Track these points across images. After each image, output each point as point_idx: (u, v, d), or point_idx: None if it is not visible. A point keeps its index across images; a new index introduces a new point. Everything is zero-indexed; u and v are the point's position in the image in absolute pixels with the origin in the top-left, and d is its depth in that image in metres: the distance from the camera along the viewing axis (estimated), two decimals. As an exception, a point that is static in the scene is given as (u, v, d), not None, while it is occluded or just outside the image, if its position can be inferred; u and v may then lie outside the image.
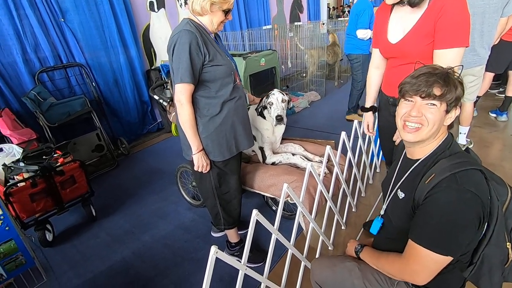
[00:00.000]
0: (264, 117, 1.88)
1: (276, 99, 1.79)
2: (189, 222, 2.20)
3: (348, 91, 5.26)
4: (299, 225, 1.47)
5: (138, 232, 2.15)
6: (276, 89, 1.85)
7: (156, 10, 3.76)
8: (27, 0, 2.59)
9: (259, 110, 1.88)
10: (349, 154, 1.80)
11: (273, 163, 1.90)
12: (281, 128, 1.94)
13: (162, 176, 2.89)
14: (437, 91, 0.85)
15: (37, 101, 2.59)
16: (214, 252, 0.86)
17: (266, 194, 1.76)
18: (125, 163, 3.28)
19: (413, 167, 0.94)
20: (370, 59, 1.61)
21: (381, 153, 2.67)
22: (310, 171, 1.39)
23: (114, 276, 1.80)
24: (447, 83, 0.85)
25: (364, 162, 2.21)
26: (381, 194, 2.31)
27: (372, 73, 1.62)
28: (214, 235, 2.00)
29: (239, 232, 1.90)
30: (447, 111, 0.88)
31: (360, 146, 2.06)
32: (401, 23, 1.35)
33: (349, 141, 1.80)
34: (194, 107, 1.39)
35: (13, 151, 2.31)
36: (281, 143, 2.06)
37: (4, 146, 2.31)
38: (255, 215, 1.01)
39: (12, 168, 1.99)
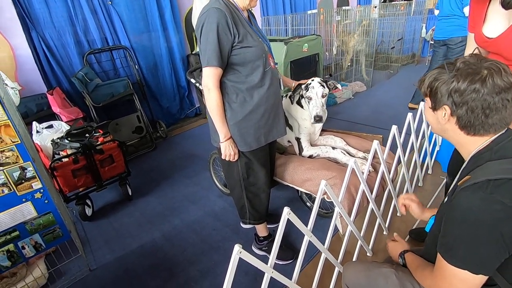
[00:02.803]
0: (302, 106, 1.72)
1: (316, 94, 1.60)
2: (219, 209, 2.16)
3: (398, 83, 4.83)
4: (335, 226, 1.32)
5: (169, 215, 2.16)
6: (316, 78, 1.65)
7: (199, -7, 3.70)
8: (79, -16, 2.69)
9: (295, 98, 1.72)
10: (399, 151, 1.58)
11: (310, 156, 1.75)
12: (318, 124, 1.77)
13: (197, 161, 2.89)
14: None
15: (84, 81, 2.71)
16: (237, 252, 0.77)
17: (300, 189, 1.63)
18: (162, 145, 3.35)
19: (461, 169, 0.83)
20: None
21: (435, 153, 2.37)
22: (353, 169, 1.22)
23: (144, 255, 1.82)
24: (425, 74, 0.81)
25: (415, 162, 1.96)
26: (432, 199, 2.06)
27: None
28: (244, 226, 1.93)
29: (268, 226, 1.80)
30: (432, 108, 0.80)
31: (413, 142, 1.82)
32: (501, 15, 1.11)
33: (400, 137, 1.58)
34: (222, 92, 1.30)
35: (62, 128, 2.44)
36: (320, 135, 1.89)
37: (54, 123, 2.45)
38: (287, 213, 0.90)
39: (58, 143, 2.09)
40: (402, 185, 1.93)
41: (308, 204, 1.92)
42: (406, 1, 6.04)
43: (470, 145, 0.78)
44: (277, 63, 3.22)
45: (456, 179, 0.85)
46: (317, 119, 1.57)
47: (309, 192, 1.59)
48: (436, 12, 3.26)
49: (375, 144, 1.32)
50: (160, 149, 3.28)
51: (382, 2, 6.59)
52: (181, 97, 3.79)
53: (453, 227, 0.70)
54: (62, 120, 2.55)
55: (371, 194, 1.44)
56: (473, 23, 1.25)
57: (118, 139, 2.78)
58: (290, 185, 1.66)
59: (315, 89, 1.60)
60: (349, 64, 4.96)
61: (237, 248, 0.77)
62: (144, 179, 2.68)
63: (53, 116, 2.61)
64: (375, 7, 4.36)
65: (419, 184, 2.17)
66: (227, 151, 1.37)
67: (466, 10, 2.83)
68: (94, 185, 2.13)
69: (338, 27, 4.49)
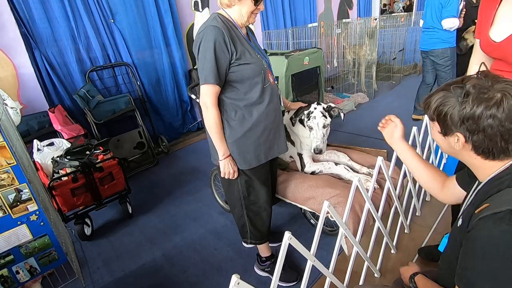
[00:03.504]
0: (304, 124, 1.69)
1: (317, 125, 1.56)
2: (220, 227, 2.10)
3: (401, 93, 4.82)
4: (340, 246, 1.26)
5: (170, 233, 2.11)
6: (318, 106, 1.60)
7: (200, 10, 3.76)
8: (82, 2, 2.73)
9: (295, 121, 1.70)
10: (405, 166, 1.53)
11: (312, 173, 1.70)
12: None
13: (199, 176, 2.85)
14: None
15: (86, 98, 2.72)
16: (235, 283, 0.72)
17: (303, 207, 1.57)
18: (164, 161, 3.32)
19: (475, 191, 0.78)
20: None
21: (442, 166, 2.30)
22: (357, 186, 1.17)
23: (143, 276, 1.77)
24: (429, 97, 0.76)
25: (421, 176, 1.90)
26: (441, 214, 1.99)
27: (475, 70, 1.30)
28: (245, 245, 1.87)
29: (271, 245, 1.74)
30: (442, 134, 0.75)
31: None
32: (510, 18, 1.07)
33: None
34: (220, 110, 1.28)
35: (63, 146, 2.43)
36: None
37: (55, 140, 2.44)
38: (288, 239, 0.85)
39: (58, 162, 2.07)
40: (409, 201, 1.86)
41: (312, 221, 1.86)
42: (405, 13, 6.08)
43: (488, 169, 0.73)
44: (277, 78, 3.23)
45: (469, 200, 0.80)
46: (317, 151, 1.56)
47: (312, 211, 1.53)
48: (421, 22, 3.32)
49: (380, 160, 1.28)
50: (162, 164, 3.25)
51: (381, 14, 6.65)
52: (183, 112, 3.79)
53: (475, 262, 0.65)
54: (63, 138, 2.55)
55: (377, 212, 1.38)
56: (480, 27, 1.20)
57: (118, 156, 2.76)
58: (293, 203, 1.61)
59: (317, 119, 1.57)
60: (352, 76, 4.96)
61: (234, 279, 0.72)
62: (145, 196, 2.64)
63: (55, 134, 2.61)
64: (375, 19, 4.38)
65: (426, 199, 2.11)
66: (226, 169, 1.34)
67: (444, 23, 2.86)
68: (93, 204, 2.10)
69: (338, 39, 4.51)
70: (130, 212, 2.32)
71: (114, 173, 2.14)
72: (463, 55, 3.76)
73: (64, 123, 2.59)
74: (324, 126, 1.56)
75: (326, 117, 1.56)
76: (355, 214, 1.36)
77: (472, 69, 1.31)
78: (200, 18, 3.80)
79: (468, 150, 0.73)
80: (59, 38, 2.72)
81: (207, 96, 1.22)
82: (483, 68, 0.81)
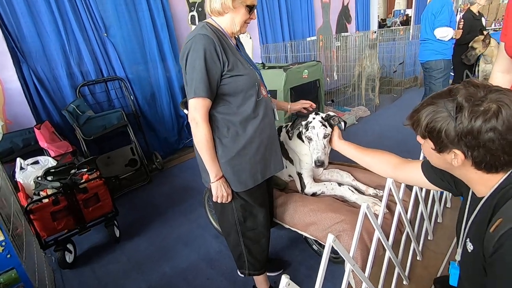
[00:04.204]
0: (302, 140, 1.55)
1: (317, 135, 1.41)
2: (214, 253, 1.92)
3: (403, 106, 4.73)
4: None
5: (159, 260, 1.93)
6: (317, 116, 1.46)
7: (197, 24, 3.71)
8: (74, 16, 2.66)
9: (294, 134, 1.55)
10: (416, 188, 1.38)
11: (313, 194, 1.55)
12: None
13: (193, 195, 2.69)
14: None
15: (75, 114, 2.60)
16: (286, 283, 0.58)
17: (303, 234, 1.41)
18: (158, 178, 3.17)
19: (477, 208, 0.74)
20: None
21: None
22: (366, 213, 1.02)
23: (126, 313, 1.58)
24: (415, 112, 0.75)
25: (433, 196, 1.75)
26: (455, 239, 1.81)
27: (499, 78, 1.18)
28: (241, 274, 1.69)
29: (269, 274, 1.57)
30: (437, 151, 0.72)
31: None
32: None
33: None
34: (212, 126, 1.15)
35: (48, 164, 2.29)
36: (324, 169, 1.70)
37: (41, 158, 2.30)
38: (286, 285, 0.69)
39: (39, 183, 1.93)
40: (420, 223, 1.70)
41: (314, 247, 1.69)
42: (402, 27, 6.08)
43: (488, 181, 0.70)
44: (275, 91, 3.12)
45: (472, 218, 0.75)
46: (318, 164, 1.38)
47: (314, 238, 1.37)
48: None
49: (390, 182, 1.13)
50: (156, 182, 3.09)
51: (379, 28, 6.66)
52: (179, 127, 3.67)
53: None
54: (50, 155, 2.41)
55: (388, 240, 1.22)
56: (506, 29, 1.10)
57: (109, 174, 2.61)
58: (292, 228, 1.45)
59: (316, 129, 1.41)
60: (350, 89, 4.88)
61: (285, 280, 0.60)
62: (135, 216, 2.47)
63: (41, 151, 2.47)
64: (375, 32, 4.34)
65: (438, 220, 1.94)
66: (219, 192, 1.20)
67: (436, 32, 2.82)
68: (76, 228, 1.93)
69: (337, 52, 4.45)
70: (118, 236, 2.15)
71: (100, 194, 1.99)
72: (463, 64, 3.68)
73: (50, 140, 2.46)
74: (324, 136, 1.40)
75: (326, 127, 1.41)
76: (363, 244, 1.20)
77: (495, 76, 1.18)
78: (196, 32, 3.75)
79: (467, 166, 0.69)
80: (49, 52, 2.63)
81: (196, 111, 1.09)
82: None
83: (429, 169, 0.99)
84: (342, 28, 6.05)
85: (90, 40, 2.82)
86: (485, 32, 3.48)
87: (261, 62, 3.94)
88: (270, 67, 3.31)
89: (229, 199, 1.23)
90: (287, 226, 1.48)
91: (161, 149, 3.47)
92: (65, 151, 2.47)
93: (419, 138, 0.81)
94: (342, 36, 4.55)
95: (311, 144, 1.43)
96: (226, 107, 1.16)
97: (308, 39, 4.61)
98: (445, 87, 2.63)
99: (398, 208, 1.25)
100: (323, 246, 1.36)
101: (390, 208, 1.40)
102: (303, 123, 1.48)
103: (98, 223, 2.04)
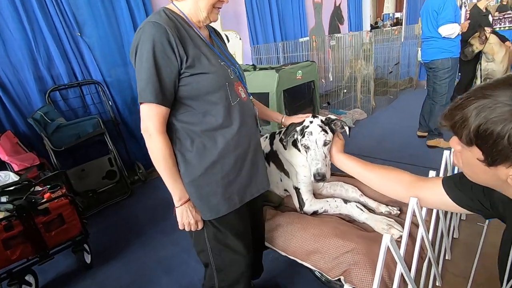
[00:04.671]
0: (298, 149, 1.30)
1: (315, 143, 1.14)
2: (198, 283, 1.64)
3: (399, 108, 4.58)
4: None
5: (135, 291, 1.65)
6: (315, 119, 1.19)
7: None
8: (41, 12, 2.38)
9: (288, 143, 1.30)
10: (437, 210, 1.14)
11: (314, 213, 1.30)
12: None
13: (178, 210, 2.42)
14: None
15: (43, 122, 2.31)
16: None
17: (304, 264, 1.16)
18: (140, 190, 2.89)
19: None
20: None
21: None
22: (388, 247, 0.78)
23: None
24: (456, 109, 0.56)
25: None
26: (476, 258, 1.59)
27: None
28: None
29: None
30: (487, 163, 0.55)
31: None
32: None
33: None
34: (172, 137, 0.93)
35: (9, 179, 1.99)
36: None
37: (1, 173, 2.01)
38: None
39: (-9, 204, 1.63)
40: (435, 242, 1.47)
41: (317, 273, 1.43)
42: (396, 27, 5.96)
43: None
44: (267, 94, 2.89)
45: None
46: (318, 178, 1.09)
47: (317, 270, 1.12)
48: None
49: (414, 202, 0.89)
50: (138, 195, 2.81)
51: (371, 29, 6.53)
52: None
53: None
54: (13, 169, 2.11)
55: (410, 272, 0.98)
56: None
57: (80, 190, 2.34)
58: (290, 257, 1.19)
59: (314, 135, 1.14)
60: (345, 91, 4.69)
61: None
62: (111, 237, 2.19)
63: (4, 165, 2.17)
64: (370, 31, 4.17)
65: (454, 236, 1.71)
66: (185, 218, 0.96)
67: (442, 30, 2.61)
68: (36, 257, 1.64)
69: (333, 52, 4.26)
70: (89, 262, 1.86)
71: (65, 215, 1.70)
72: (467, 62, 3.52)
73: (13, 152, 2.16)
74: (325, 143, 1.13)
75: (326, 132, 1.14)
76: (381, 280, 0.95)
77: None
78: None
79: None
80: (13, 53, 2.34)
81: (149, 119, 0.87)
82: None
83: (453, 187, 0.81)
84: (334, 29, 5.89)
85: (61, 39, 2.54)
86: (486, 29, 3.33)
87: (251, 64, 3.71)
88: (261, 69, 3.09)
89: (200, 226, 1.00)
90: (284, 254, 1.22)
91: (144, 159, 3.17)
92: (31, 164, 2.17)
93: (455, 143, 0.63)
94: (336, 37, 4.37)
95: (308, 154, 1.17)
96: (189, 115, 0.93)
97: (301, 40, 4.40)
98: (451, 89, 2.39)
99: (421, 232, 1.01)
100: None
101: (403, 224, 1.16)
102: (298, 128, 1.23)
103: (64, 248, 1.76)
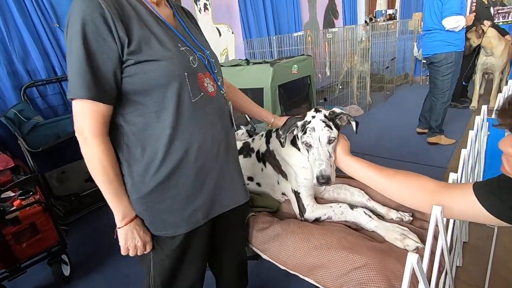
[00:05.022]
0: (298, 148, 1.15)
1: (318, 140, 1.00)
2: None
3: (396, 104, 4.49)
4: None
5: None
6: (317, 114, 1.05)
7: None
8: (15, 3, 2.18)
9: (286, 140, 1.14)
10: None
11: (316, 220, 1.16)
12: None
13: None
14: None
15: (17, 121, 2.12)
16: None
17: (306, 279, 1.02)
18: (128, 193, 2.71)
19: None
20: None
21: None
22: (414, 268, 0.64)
23: None
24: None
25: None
26: (489, 266, 1.48)
27: None
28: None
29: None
30: None
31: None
32: None
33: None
34: (118, 143, 0.77)
35: (-22, 185, 1.81)
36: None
37: (-32, 178, 1.82)
38: None
39: (-47, 213, 1.45)
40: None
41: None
42: (392, 21, 5.86)
43: None
44: (261, 89, 2.73)
45: None
46: (322, 181, 0.95)
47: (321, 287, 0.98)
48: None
49: (438, 212, 0.75)
50: (125, 198, 2.63)
51: (365, 23, 6.43)
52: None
53: None
54: (-16, 173, 1.92)
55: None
56: None
57: (61, 194, 2.17)
58: (291, 271, 1.05)
59: (317, 131, 1.00)
60: (340, 87, 4.57)
61: None
62: (94, 245, 2.02)
63: (-26, 168, 1.98)
64: (367, 24, 4.04)
65: (464, 240, 1.60)
66: (130, 241, 0.80)
67: (446, 22, 2.46)
68: (5, 272, 1.47)
69: (329, 46, 4.12)
70: (67, 274, 1.69)
71: (39, 224, 1.53)
72: (465, 57, 3.42)
73: (-17, 154, 1.97)
74: (329, 141, 0.99)
75: (331, 128, 1.00)
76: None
77: None
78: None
79: None
80: (-17, 45, 2.14)
81: (83, 119, 0.69)
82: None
83: (488, 195, 0.67)
84: (329, 24, 5.77)
85: (37, 31, 2.35)
86: (485, 22, 3.24)
87: (245, 58, 3.55)
88: (255, 63, 2.93)
89: (148, 249, 0.84)
90: (283, 268, 1.08)
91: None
92: (4, 167, 1.98)
93: (508, 145, 0.51)
94: (331, 32, 4.24)
95: (310, 153, 1.03)
96: (139, 114, 0.75)
97: (295, 34, 4.26)
98: (453, 85, 2.23)
99: (442, 244, 0.88)
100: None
101: (419, 235, 1.03)
102: (299, 123, 1.08)
103: (38, 261, 1.59)
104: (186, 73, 0.76)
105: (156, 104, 0.74)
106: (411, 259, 0.64)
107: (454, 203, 0.74)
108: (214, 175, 0.85)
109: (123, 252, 0.81)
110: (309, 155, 1.04)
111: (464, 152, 1.08)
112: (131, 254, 0.82)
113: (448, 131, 2.94)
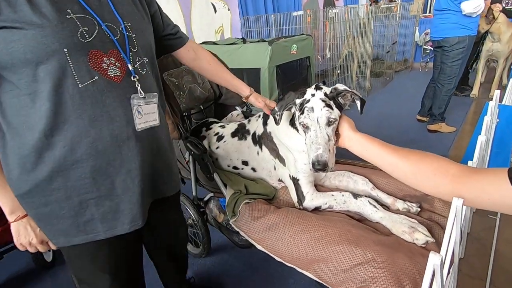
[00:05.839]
0: (297, 128, 1.05)
1: (317, 121, 0.90)
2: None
3: (396, 91, 4.40)
4: None
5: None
6: (317, 92, 0.95)
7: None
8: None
9: (281, 117, 1.03)
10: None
11: (316, 209, 1.07)
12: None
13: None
14: None
15: None
16: None
17: (305, 273, 0.94)
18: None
19: None
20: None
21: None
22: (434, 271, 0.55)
23: None
24: None
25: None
26: (491, 258, 1.42)
27: None
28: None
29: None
30: None
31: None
32: None
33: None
34: None
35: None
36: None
37: None
38: None
39: None
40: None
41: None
42: (395, 3, 5.66)
43: None
44: (258, 70, 2.58)
45: None
46: (318, 167, 0.85)
47: (322, 282, 0.89)
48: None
49: (459, 203, 0.66)
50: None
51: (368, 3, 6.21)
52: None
53: None
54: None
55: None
56: None
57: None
58: (288, 264, 0.97)
59: (315, 112, 0.90)
60: (338, 71, 4.43)
61: None
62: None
63: None
64: (370, 4, 3.86)
65: (466, 230, 1.54)
66: (23, 238, 0.72)
67: (465, 5, 2.29)
68: (-22, 258, 1.36)
69: (331, 25, 3.93)
70: (50, 260, 1.60)
71: (15, 208, 1.41)
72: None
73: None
74: (329, 123, 0.89)
75: (331, 108, 0.90)
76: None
77: None
78: (163, 2, 3.10)
79: None
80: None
81: None
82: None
83: None
84: (329, 3, 5.54)
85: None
86: (493, 7, 3.10)
87: (241, 37, 3.37)
88: (252, 42, 2.77)
89: (48, 247, 0.75)
90: (279, 260, 1.00)
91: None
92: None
93: None
94: (333, 12, 4.04)
95: (307, 135, 0.92)
96: (13, 96, 0.61)
97: (294, 13, 4.06)
98: (461, 72, 2.08)
99: (455, 237, 0.80)
100: None
101: (428, 227, 0.95)
102: (298, 101, 0.97)
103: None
104: (66, 49, 0.59)
105: (27, 85, 0.59)
106: (433, 260, 0.55)
107: (484, 191, 0.64)
108: (120, 178, 0.71)
109: (19, 247, 0.74)
110: (306, 138, 0.94)
111: (481, 139, 0.98)
112: (30, 250, 0.74)
113: (448, 119, 2.86)
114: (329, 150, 0.88)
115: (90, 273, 0.80)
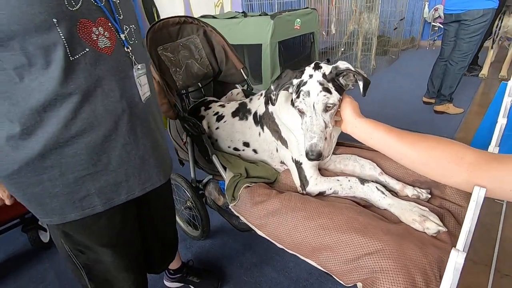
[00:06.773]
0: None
1: (312, 107, 0.82)
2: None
3: (402, 70, 4.25)
4: None
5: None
6: (315, 73, 0.86)
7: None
8: None
9: (277, 96, 0.94)
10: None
11: (320, 194, 1.02)
12: (336, 129, 1.02)
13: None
14: None
15: None
16: None
17: (308, 261, 0.90)
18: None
19: None
20: None
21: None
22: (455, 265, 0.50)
23: None
24: None
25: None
26: (497, 245, 1.39)
27: None
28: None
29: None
30: None
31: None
32: None
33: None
34: None
35: None
36: (334, 152, 1.16)
37: None
38: None
39: None
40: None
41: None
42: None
43: None
44: (260, 45, 2.45)
45: None
46: (312, 157, 0.80)
47: (326, 271, 0.86)
48: None
49: (480, 194, 0.61)
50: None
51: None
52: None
53: None
54: None
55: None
56: None
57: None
58: (290, 251, 0.93)
59: (311, 96, 0.82)
60: (343, 49, 4.26)
61: None
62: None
63: None
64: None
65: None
66: None
67: None
68: (-28, 239, 1.33)
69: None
70: (47, 240, 1.58)
71: (7, 189, 1.37)
72: None
73: None
74: (326, 108, 0.83)
75: (329, 92, 0.82)
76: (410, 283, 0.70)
77: None
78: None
79: None
80: None
81: None
82: None
83: None
84: (336, -23, 5.23)
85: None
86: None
87: (242, 11, 3.19)
88: (253, 16, 2.61)
89: (8, 202, 0.71)
90: (281, 247, 0.96)
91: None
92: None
93: None
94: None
95: (303, 121, 0.86)
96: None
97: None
98: (477, 47, 1.93)
99: (470, 227, 0.75)
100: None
101: (440, 215, 0.90)
102: (295, 82, 0.90)
103: (12, 227, 1.45)
104: (55, 19, 0.53)
105: (14, 59, 0.53)
106: (455, 257, 0.50)
107: (505, 181, 0.58)
108: (115, 153, 0.69)
109: None
110: (302, 123, 0.87)
111: (501, 121, 0.91)
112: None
113: (454, 100, 2.77)
114: (325, 138, 0.82)
115: (90, 250, 0.77)
